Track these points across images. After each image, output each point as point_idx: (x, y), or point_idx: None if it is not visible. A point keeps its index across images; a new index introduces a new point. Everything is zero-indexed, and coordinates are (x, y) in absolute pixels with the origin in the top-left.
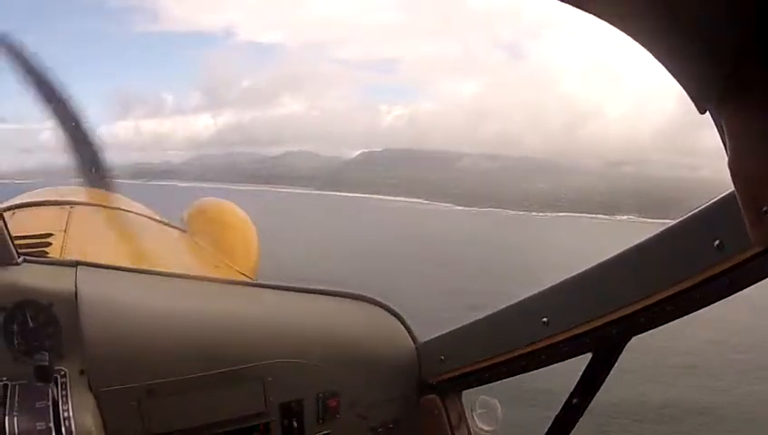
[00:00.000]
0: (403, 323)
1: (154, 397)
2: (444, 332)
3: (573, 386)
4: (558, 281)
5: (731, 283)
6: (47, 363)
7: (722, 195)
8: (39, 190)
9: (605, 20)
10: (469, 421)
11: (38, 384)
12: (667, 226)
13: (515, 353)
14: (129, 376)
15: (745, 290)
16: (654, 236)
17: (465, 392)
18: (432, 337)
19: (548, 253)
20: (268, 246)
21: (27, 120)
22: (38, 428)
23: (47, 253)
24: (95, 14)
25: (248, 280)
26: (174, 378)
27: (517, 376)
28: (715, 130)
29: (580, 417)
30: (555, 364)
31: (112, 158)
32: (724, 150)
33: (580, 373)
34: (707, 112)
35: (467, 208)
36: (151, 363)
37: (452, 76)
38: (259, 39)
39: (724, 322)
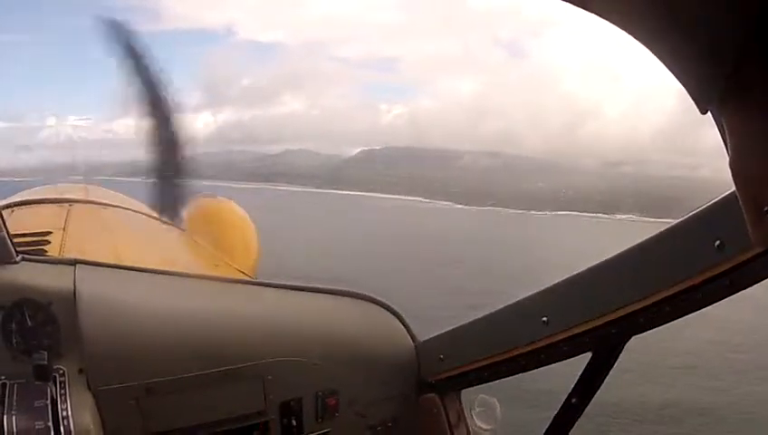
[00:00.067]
0: (402, 321)
1: (153, 396)
2: (443, 331)
3: (572, 386)
4: (557, 280)
5: (731, 283)
6: (46, 362)
7: (722, 195)
8: (38, 188)
9: (605, 19)
10: (468, 420)
11: (37, 383)
12: (668, 226)
13: (515, 353)
14: (127, 375)
15: (746, 290)
16: (654, 236)
17: (464, 391)
18: (431, 336)
19: (548, 252)
20: (268, 245)
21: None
22: (37, 427)
23: (46, 251)
24: (96, 12)
25: (247, 278)
26: (173, 377)
27: (516, 375)
28: (715, 129)
29: (579, 417)
30: (554, 364)
31: (112, 156)
32: (724, 150)
33: (580, 373)
34: (708, 112)
35: (467, 207)
36: (150, 362)
37: (452, 75)
38: (259, 38)
39: (724, 321)
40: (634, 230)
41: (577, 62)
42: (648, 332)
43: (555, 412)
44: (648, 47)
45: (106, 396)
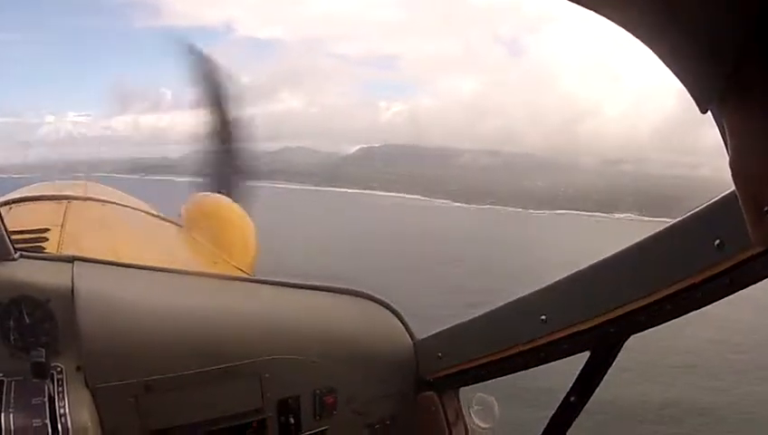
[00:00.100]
0: (401, 319)
1: (151, 393)
2: (441, 329)
3: (571, 384)
4: (557, 279)
5: (731, 282)
6: (44, 359)
7: (722, 194)
8: (36, 185)
9: (605, 17)
10: (466, 418)
11: (34, 381)
12: (668, 225)
13: (513, 351)
14: (126, 372)
15: (746, 289)
16: (654, 235)
17: (462, 389)
18: (429, 334)
19: (547, 251)
20: (266, 242)
21: (25, 115)
22: (34, 424)
23: (44, 248)
24: (96, 9)
25: (246, 276)
26: (171, 374)
27: (515, 374)
28: (715, 128)
29: (578, 415)
30: (553, 362)
31: (110, 153)
32: (724, 149)
33: (578, 372)
34: (708, 111)
35: (466, 205)
36: (148, 360)
37: (452, 73)
38: (258, 34)
39: (724, 321)
40: (633, 229)
41: (577, 61)
42: (648, 330)
43: (554, 411)
44: (648, 46)
45: (104, 393)
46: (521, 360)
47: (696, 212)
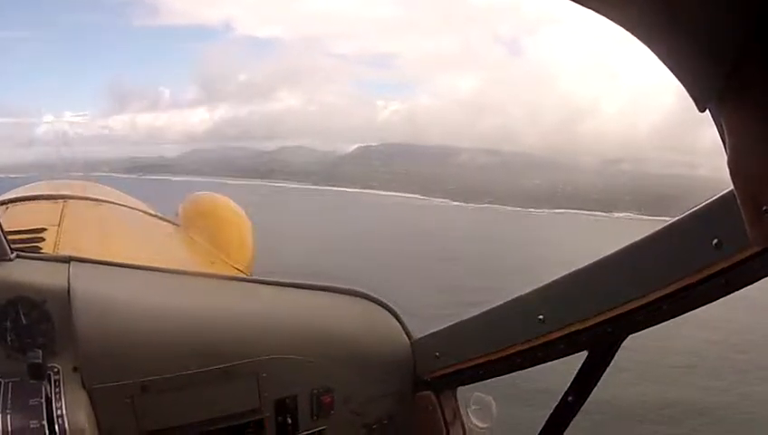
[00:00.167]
0: (398, 319)
1: (148, 394)
2: (439, 328)
3: (569, 384)
4: (554, 278)
5: (729, 282)
6: (40, 360)
7: (721, 193)
8: (33, 184)
9: (604, 16)
10: (464, 418)
11: (31, 382)
12: (666, 224)
13: (511, 351)
14: (122, 373)
15: (746, 289)
16: (652, 235)
17: (459, 389)
18: (427, 333)
19: (545, 250)
20: (263, 242)
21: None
22: (31, 426)
23: (40, 248)
24: (95, 7)
25: (243, 275)
26: (168, 375)
27: (512, 374)
28: (714, 128)
29: (575, 415)
30: (551, 362)
31: (108, 152)
32: (722, 149)
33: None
34: (707, 110)
35: (464, 204)
36: (145, 360)
37: (450, 72)
38: (256, 33)
39: (724, 321)
40: (632, 228)
41: (575, 60)
42: (646, 330)
43: (551, 411)
44: (647, 45)
45: (101, 394)
46: (518, 359)
47: (694, 211)
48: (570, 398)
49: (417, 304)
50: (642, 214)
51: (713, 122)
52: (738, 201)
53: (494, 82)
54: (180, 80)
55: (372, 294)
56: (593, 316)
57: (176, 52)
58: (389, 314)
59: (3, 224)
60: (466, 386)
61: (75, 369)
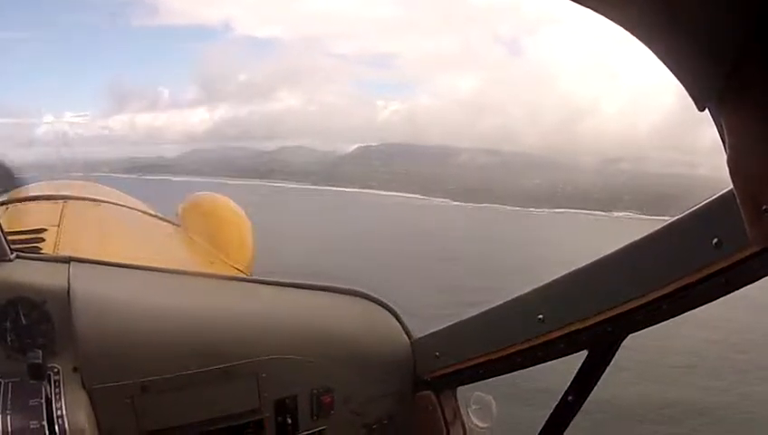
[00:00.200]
0: (398, 318)
1: (148, 394)
2: (439, 328)
3: (569, 384)
4: (554, 278)
5: (728, 281)
6: (40, 361)
7: (720, 193)
8: (33, 185)
9: (604, 16)
10: (464, 418)
11: (31, 382)
12: (665, 223)
13: (511, 350)
14: (122, 373)
15: (746, 288)
16: (651, 234)
17: (459, 389)
18: (427, 333)
19: (545, 249)
20: (263, 242)
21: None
22: (31, 426)
23: (40, 248)
24: (95, 6)
25: (243, 275)
26: (168, 375)
27: (512, 373)
28: (714, 127)
29: (575, 415)
30: (550, 362)
31: (107, 152)
32: (722, 148)
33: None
34: (706, 110)
35: (464, 204)
36: (145, 360)
37: (450, 72)
38: (256, 33)
39: (724, 320)
40: (632, 227)
41: (575, 59)
42: (646, 329)
43: (551, 410)
44: (647, 45)
45: (101, 394)
46: (518, 359)
47: (694, 211)
48: (570, 397)
49: (417, 304)
50: (642, 213)
51: (713, 122)
52: (738, 201)
53: (494, 82)
54: (180, 80)
55: (372, 294)
56: (593, 316)
57: (175, 52)
58: (389, 313)
59: (3, 224)
60: (466, 386)
61: (75, 369)
